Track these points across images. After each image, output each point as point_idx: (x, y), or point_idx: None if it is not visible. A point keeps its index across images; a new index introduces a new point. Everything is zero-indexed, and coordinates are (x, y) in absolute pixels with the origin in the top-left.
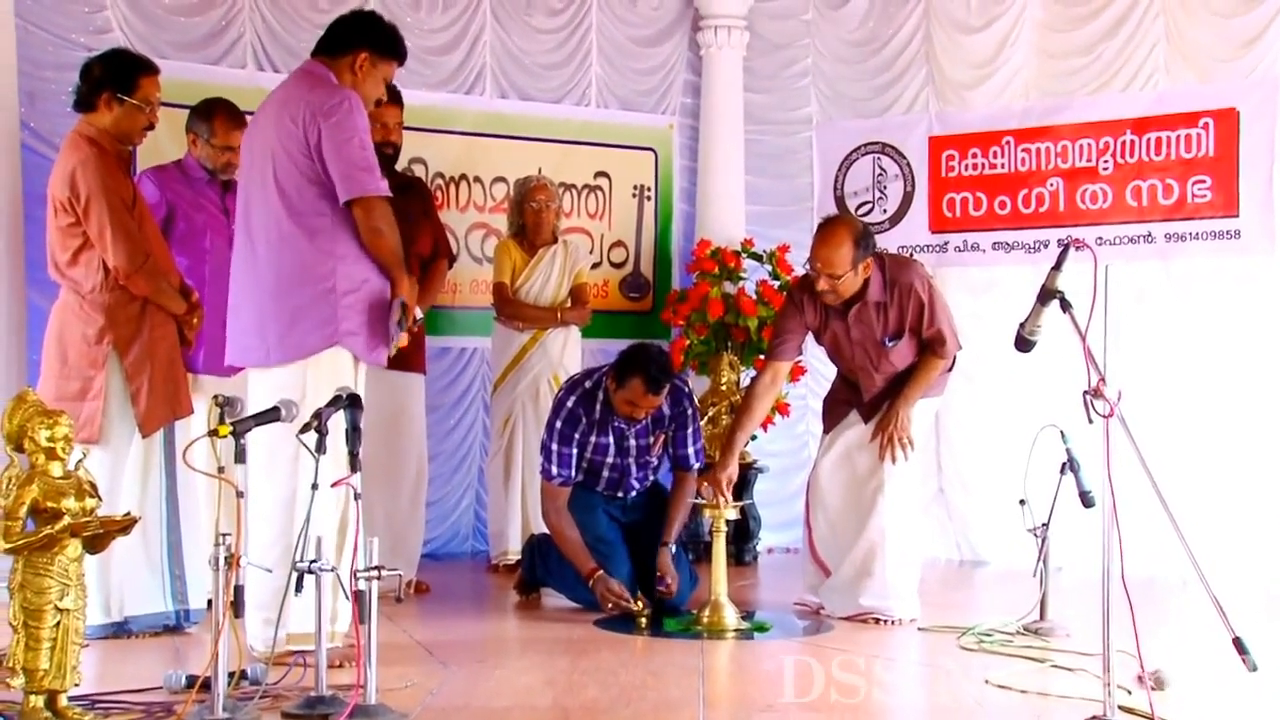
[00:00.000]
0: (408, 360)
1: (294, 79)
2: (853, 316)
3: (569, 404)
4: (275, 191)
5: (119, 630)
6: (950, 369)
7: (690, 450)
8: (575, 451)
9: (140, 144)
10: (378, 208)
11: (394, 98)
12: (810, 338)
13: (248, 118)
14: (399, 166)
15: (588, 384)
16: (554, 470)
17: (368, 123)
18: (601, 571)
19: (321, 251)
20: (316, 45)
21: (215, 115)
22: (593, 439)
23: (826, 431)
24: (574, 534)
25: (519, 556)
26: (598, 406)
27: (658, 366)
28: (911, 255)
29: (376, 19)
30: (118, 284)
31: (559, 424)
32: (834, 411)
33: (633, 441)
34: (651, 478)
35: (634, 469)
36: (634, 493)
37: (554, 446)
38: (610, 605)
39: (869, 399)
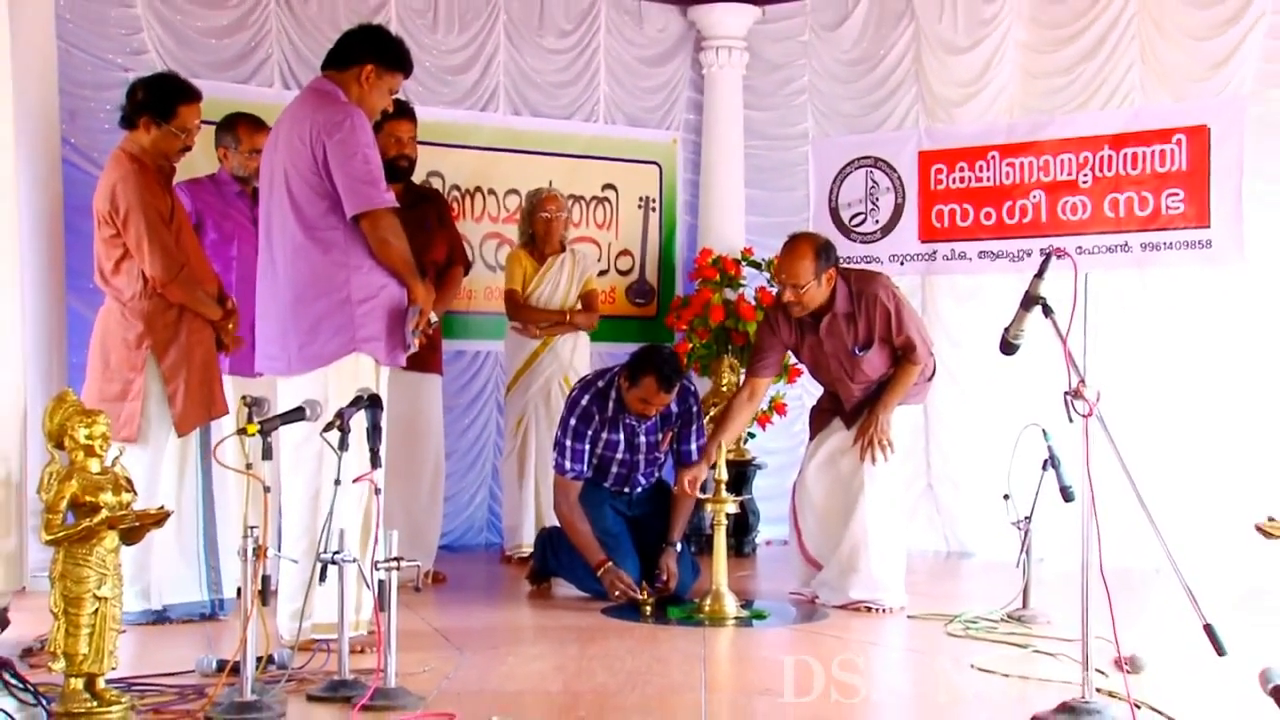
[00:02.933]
0: (425, 362)
1: (303, 97)
2: (824, 329)
3: (583, 402)
4: (290, 207)
5: (159, 618)
6: (930, 378)
7: (693, 446)
8: (588, 447)
9: (178, 162)
10: (383, 219)
11: (406, 113)
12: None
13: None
14: (417, 179)
15: (600, 383)
16: (567, 465)
17: (372, 137)
18: (611, 563)
19: (335, 263)
20: (325, 59)
21: (237, 124)
22: (604, 435)
23: (812, 439)
24: (585, 526)
25: (532, 550)
26: (610, 404)
27: (670, 366)
28: (902, 263)
29: (382, 33)
30: (155, 292)
31: (573, 420)
32: (818, 420)
33: (643, 438)
34: (657, 474)
35: (642, 465)
36: (639, 489)
37: (567, 442)
38: (617, 594)
39: (850, 408)
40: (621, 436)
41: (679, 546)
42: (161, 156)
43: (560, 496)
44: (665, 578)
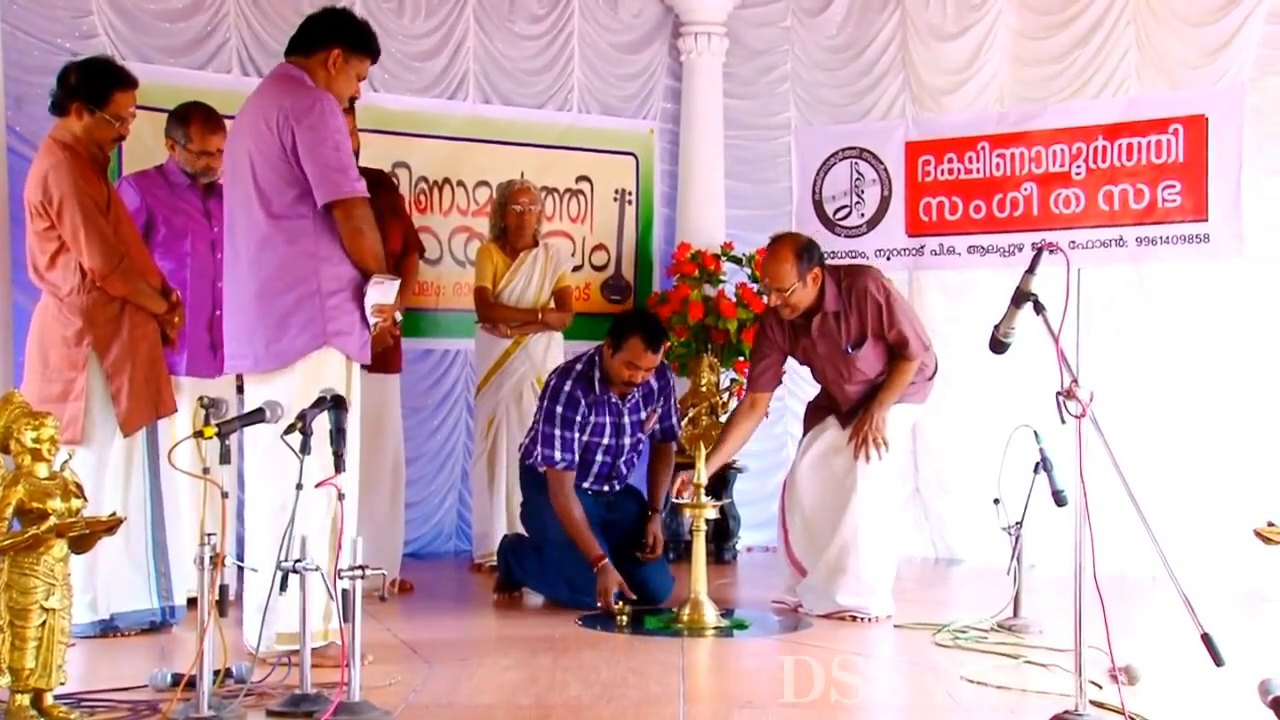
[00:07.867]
0: (384, 361)
1: (269, 83)
2: (815, 331)
3: (566, 388)
4: (256, 196)
5: (106, 628)
6: (931, 377)
7: (674, 421)
8: (577, 435)
9: (111, 151)
10: (358, 208)
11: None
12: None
13: (227, 122)
14: (384, 168)
15: (579, 366)
16: (557, 455)
17: (343, 123)
18: (607, 560)
19: (304, 254)
20: (289, 44)
21: (191, 120)
22: (591, 420)
23: (805, 434)
24: (582, 515)
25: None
26: (594, 385)
27: (654, 323)
28: (889, 258)
29: (348, 16)
30: (95, 285)
31: (560, 409)
32: (813, 416)
33: (627, 419)
34: (636, 462)
35: (626, 450)
36: (619, 483)
37: (556, 432)
38: (601, 599)
39: (846, 409)
40: (607, 419)
41: (664, 514)
42: (95, 145)
43: (556, 488)
44: (652, 543)
